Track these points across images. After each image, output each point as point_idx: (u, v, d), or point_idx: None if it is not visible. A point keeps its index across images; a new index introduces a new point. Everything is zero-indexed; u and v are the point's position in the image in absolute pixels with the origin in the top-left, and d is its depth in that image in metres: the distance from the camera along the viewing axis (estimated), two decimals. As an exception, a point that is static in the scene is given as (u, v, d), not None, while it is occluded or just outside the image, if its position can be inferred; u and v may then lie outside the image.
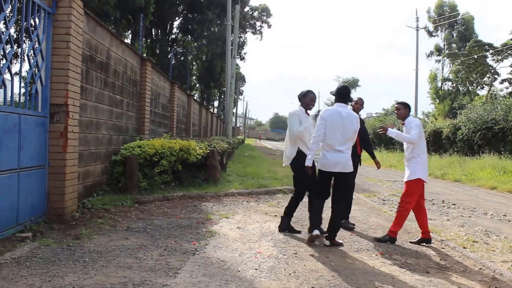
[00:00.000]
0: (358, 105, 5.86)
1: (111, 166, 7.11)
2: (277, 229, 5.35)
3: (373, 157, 6.07)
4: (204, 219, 5.69)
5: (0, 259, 3.55)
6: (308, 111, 5.31)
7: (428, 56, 43.37)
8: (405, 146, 5.25)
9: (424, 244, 5.08)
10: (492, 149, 16.36)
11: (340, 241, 4.85)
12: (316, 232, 4.77)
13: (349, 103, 5.31)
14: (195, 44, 28.87)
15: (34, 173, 4.72)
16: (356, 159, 5.48)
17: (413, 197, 5.04)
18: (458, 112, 23.54)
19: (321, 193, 4.92)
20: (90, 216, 5.43)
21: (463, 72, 35.25)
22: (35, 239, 4.25)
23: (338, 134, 4.70)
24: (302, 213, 6.62)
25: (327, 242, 4.75)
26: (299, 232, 5.30)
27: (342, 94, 4.91)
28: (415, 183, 5.04)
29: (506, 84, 33.23)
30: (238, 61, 33.17)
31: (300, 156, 5.05)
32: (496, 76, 34.90)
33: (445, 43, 42.38)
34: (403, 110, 5.24)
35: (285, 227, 5.29)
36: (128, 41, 20.40)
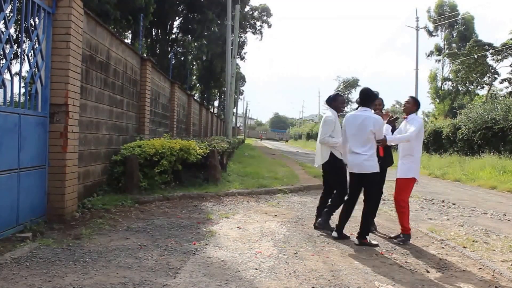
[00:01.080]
0: (377, 106, 5.63)
1: (111, 166, 7.11)
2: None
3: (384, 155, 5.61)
4: (204, 219, 5.69)
5: (0, 259, 3.54)
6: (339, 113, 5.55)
7: (428, 56, 43.35)
8: (400, 143, 5.23)
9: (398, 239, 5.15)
10: (492, 149, 16.35)
11: (375, 242, 4.93)
12: (334, 234, 5.06)
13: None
14: (195, 44, 28.84)
15: (34, 173, 4.72)
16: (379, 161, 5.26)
17: (406, 194, 5.11)
18: (458, 111, 23.52)
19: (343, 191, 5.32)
20: (90, 216, 5.43)
21: (463, 72, 35.20)
22: (35, 239, 4.25)
23: (354, 138, 4.93)
24: (302, 212, 6.63)
25: (356, 241, 4.90)
26: (348, 237, 5.14)
27: (362, 97, 5.06)
28: (409, 182, 5.07)
29: (506, 83, 33.18)
30: (238, 61, 33.15)
31: (332, 159, 5.31)
32: (496, 75, 34.87)
33: (445, 42, 42.32)
34: (411, 105, 5.22)
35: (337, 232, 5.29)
36: (128, 41, 20.41)
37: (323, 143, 5.34)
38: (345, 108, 5.71)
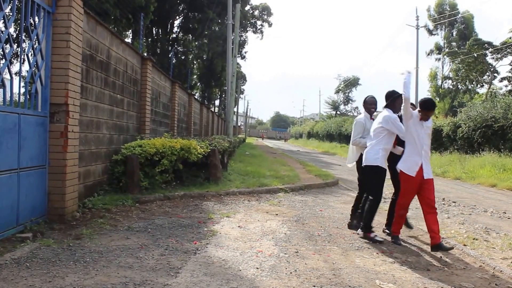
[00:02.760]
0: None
1: (112, 165, 7.11)
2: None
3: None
4: (205, 218, 5.69)
5: (0, 259, 3.54)
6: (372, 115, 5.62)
7: (428, 54, 43.32)
8: (428, 142, 4.94)
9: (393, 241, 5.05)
10: (492, 147, 16.33)
11: (379, 239, 4.94)
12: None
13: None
14: (196, 43, 28.82)
15: (34, 173, 4.71)
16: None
17: None
18: (458, 110, 23.44)
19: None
20: (91, 216, 5.43)
21: (463, 71, 35.16)
22: (35, 239, 4.24)
23: (370, 134, 5.18)
24: (303, 211, 6.63)
25: (360, 232, 5.08)
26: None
27: (385, 98, 5.23)
28: None
29: (505, 82, 33.10)
30: (239, 60, 33.16)
31: (361, 160, 5.32)
32: (495, 74, 34.81)
33: (445, 41, 42.30)
34: None
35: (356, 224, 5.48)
36: (128, 40, 20.38)
37: (354, 144, 5.45)
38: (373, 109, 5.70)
